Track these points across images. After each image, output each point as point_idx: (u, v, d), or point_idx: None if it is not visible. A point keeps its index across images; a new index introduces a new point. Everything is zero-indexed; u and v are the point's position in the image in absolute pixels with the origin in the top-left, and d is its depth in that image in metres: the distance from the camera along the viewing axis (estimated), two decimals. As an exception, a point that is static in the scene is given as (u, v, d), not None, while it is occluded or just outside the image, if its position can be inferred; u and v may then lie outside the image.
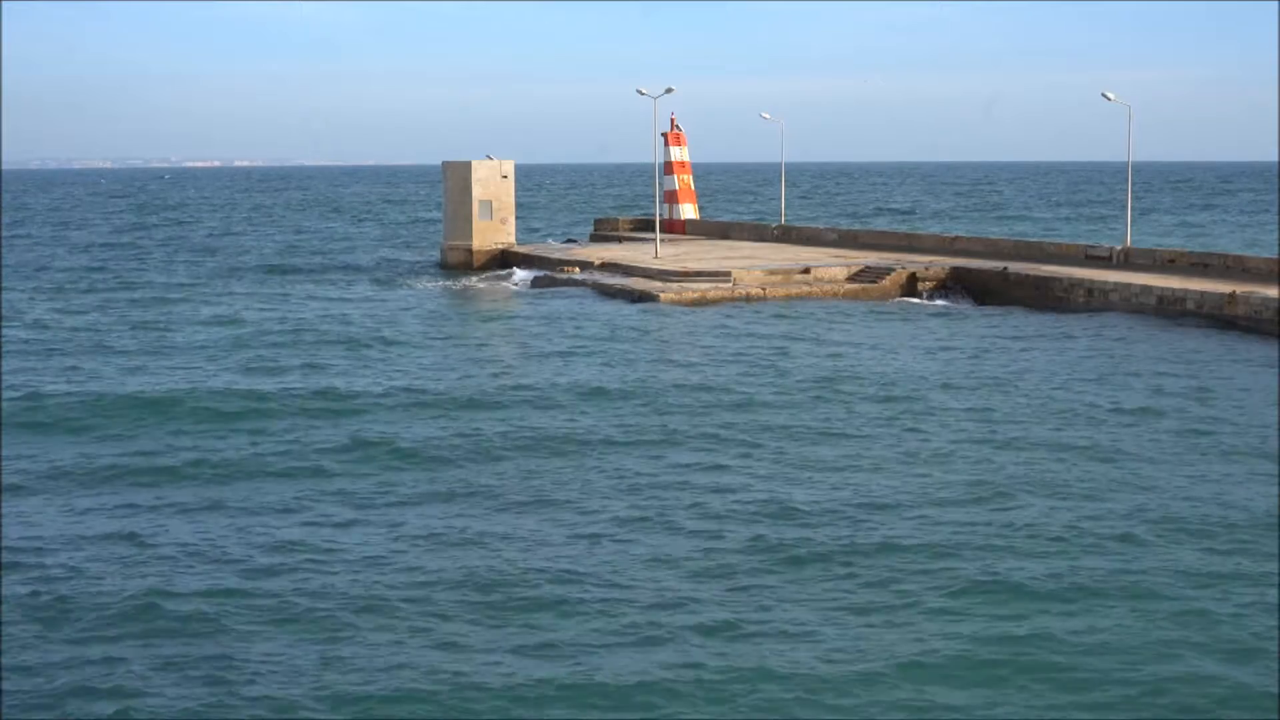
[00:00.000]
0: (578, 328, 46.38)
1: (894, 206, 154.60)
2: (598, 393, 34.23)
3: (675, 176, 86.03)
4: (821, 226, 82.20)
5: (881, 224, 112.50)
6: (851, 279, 56.59)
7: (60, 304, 56.05)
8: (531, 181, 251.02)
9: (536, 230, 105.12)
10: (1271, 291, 44.29)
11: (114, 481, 25.84)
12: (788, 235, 76.12)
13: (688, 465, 26.62)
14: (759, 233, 79.70)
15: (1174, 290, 46.51)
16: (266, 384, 35.74)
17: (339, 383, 35.95)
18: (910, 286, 55.48)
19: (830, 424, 30.43)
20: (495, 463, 27.00)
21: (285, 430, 30.02)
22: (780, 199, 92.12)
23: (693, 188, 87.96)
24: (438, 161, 76.26)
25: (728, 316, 48.71)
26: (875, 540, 21.65)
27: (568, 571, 20.24)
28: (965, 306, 52.70)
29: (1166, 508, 23.28)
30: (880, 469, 26.30)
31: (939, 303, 53.64)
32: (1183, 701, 15.88)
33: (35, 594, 19.35)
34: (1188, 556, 20.75)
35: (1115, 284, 48.93)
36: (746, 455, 27.49)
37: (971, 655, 17.10)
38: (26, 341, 44.40)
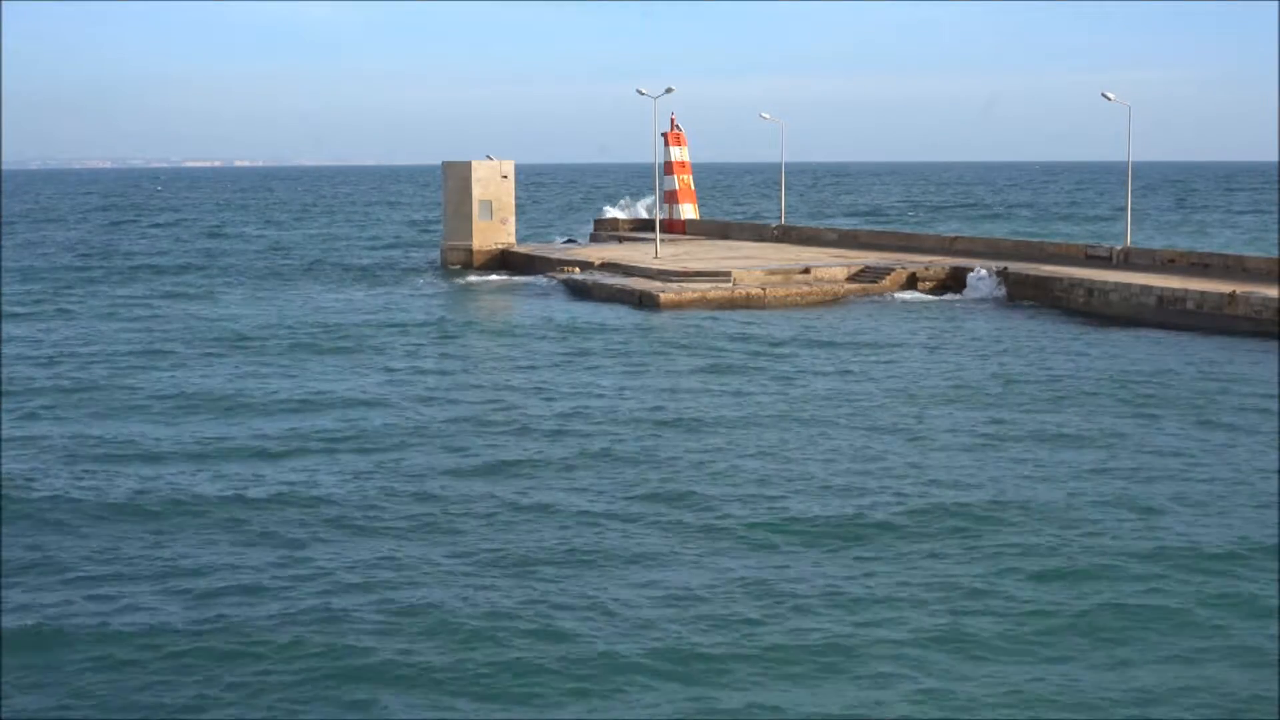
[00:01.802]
0: (577, 328, 46.33)
1: (892, 206, 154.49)
2: (595, 395, 34.21)
3: (675, 176, 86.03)
4: (821, 226, 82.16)
5: (878, 224, 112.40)
6: (851, 279, 56.59)
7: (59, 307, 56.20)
8: (531, 181, 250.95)
9: (536, 230, 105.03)
10: (1271, 291, 44.27)
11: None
12: (787, 235, 76.10)
13: (690, 471, 26.58)
14: (759, 233, 79.68)
15: (1174, 290, 46.49)
16: (258, 385, 35.72)
17: (332, 382, 35.95)
18: (910, 286, 55.46)
19: (831, 427, 30.40)
20: (495, 465, 26.96)
21: (278, 431, 29.98)
22: (780, 199, 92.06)
23: (693, 188, 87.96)
24: (438, 161, 76.23)
25: (726, 317, 48.66)
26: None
27: (565, 575, 20.23)
28: (966, 306, 52.60)
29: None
30: (889, 475, 26.28)
31: (939, 300, 53.56)
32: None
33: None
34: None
35: (1115, 284, 48.91)
36: (745, 458, 27.46)
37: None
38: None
